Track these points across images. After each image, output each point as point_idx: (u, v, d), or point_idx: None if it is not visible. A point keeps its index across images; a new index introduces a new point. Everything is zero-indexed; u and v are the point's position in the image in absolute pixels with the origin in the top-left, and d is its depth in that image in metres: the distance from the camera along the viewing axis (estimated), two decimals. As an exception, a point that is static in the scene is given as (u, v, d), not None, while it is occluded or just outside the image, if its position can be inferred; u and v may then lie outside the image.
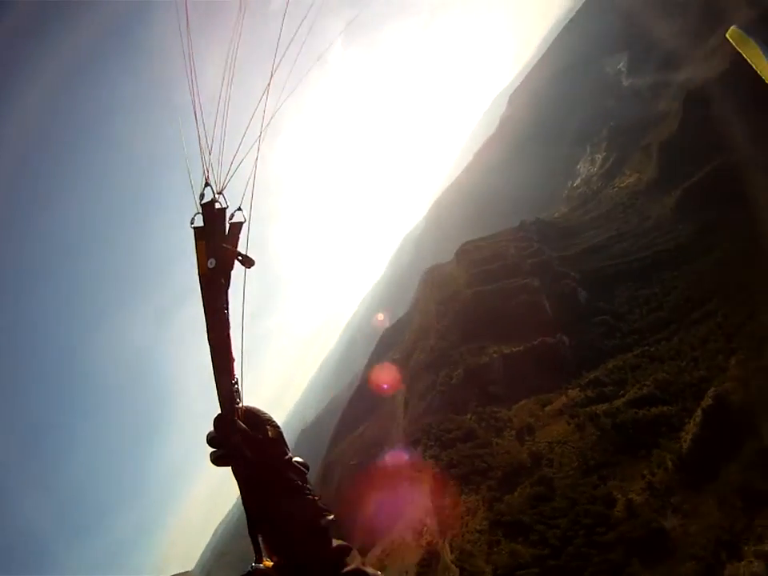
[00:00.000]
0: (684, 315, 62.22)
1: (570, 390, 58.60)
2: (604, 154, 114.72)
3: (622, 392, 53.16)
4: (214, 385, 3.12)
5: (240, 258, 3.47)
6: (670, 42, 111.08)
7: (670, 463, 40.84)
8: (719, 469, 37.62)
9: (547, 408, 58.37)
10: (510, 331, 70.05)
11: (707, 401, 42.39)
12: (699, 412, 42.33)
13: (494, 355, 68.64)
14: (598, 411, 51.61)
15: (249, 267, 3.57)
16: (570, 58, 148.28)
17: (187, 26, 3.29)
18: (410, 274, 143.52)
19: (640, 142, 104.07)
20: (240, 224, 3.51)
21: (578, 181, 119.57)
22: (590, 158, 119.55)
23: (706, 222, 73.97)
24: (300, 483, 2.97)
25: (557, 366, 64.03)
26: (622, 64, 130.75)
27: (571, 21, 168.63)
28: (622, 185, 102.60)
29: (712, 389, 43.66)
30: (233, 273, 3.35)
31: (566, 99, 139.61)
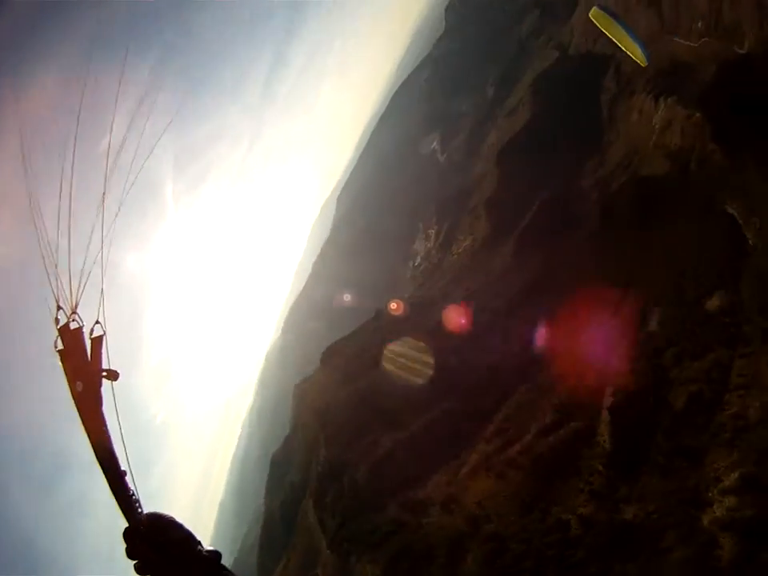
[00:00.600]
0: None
1: (478, 447, 56.23)
2: (436, 227, 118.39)
3: (526, 431, 51.15)
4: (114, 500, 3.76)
5: (105, 373, 3.83)
6: (473, 113, 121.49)
7: (600, 466, 40.10)
8: (647, 448, 38.30)
9: (462, 472, 55.45)
10: (400, 415, 68.00)
11: (608, 400, 43.95)
12: (605, 413, 43.30)
13: (389, 444, 65.72)
14: (512, 454, 49.74)
15: (115, 380, 3.97)
16: (388, 148, 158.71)
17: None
18: (282, 391, 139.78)
19: (467, 207, 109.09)
20: (100, 338, 3.94)
21: (418, 259, 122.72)
22: (423, 235, 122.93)
23: (545, 257, 77.41)
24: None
25: (455, 431, 61.40)
26: (435, 142, 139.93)
27: (384, 114, 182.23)
28: (459, 250, 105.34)
29: (610, 387, 45.46)
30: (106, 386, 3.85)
31: (391, 187, 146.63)
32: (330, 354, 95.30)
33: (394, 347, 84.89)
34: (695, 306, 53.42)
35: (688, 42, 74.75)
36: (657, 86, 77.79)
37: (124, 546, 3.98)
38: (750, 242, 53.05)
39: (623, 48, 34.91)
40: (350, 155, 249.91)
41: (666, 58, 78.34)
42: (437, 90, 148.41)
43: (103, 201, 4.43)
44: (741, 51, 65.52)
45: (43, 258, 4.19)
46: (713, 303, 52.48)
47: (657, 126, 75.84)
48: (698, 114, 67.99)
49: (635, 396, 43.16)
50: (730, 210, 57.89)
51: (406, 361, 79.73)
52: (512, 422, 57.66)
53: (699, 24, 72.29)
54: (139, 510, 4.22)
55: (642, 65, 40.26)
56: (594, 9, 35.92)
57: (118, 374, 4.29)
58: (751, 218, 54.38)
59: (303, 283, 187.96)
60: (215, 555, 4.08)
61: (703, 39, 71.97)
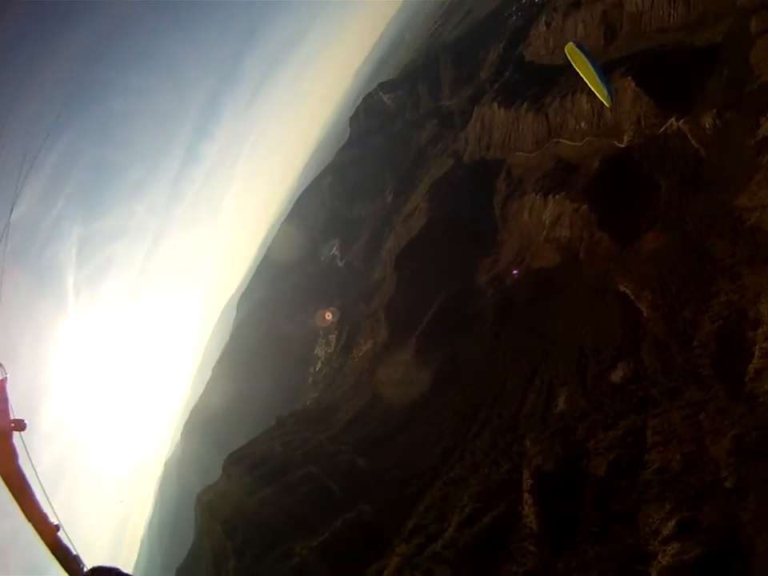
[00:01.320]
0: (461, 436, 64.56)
1: (398, 548, 53.49)
2: (336, 332, 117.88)
3: (446, 524, 49.27)
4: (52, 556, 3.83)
5: (13, 425, 3.97)
6: (371, 220, 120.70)
7: (531, 546, 37.86)
8: (577, 520, 35.82)
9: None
10: (308, 524, 66.06)
11: (527, 482, 42.01)
12: (527, 495, 41.22)
13: (304, 552, 62.69)
14: (436, 549, 47.17)
15: (22, 431, 4.11)
16: (289, 254, 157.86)
17: None
18: (182, 500, 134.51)
19: (367, 310, 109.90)
20: (2, 382, 4.17)
21: (318, 365, 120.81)
22: (324, 340, 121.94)
23: (448, 356, 79.99)
24: None
25: (369, 536, 59.95)
26: (335, 248, 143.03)
27: (286, 218, 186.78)
28: (360, 354, 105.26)
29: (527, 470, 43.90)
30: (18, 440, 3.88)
31: (291, 292, 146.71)
32: (233, 461, 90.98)
33: (301, 452, 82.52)
34: (600, 379, 53.32)
35: (573, 142, 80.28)
36: (545, 184, 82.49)
37: None
38: (645, 313, 53.60)
39: (589, 84, 35.90)
40: (252, 259, 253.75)
41: (553, 158, 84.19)
42: (338, 197, 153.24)
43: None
44: (621, 145, 70.75)
45: None
46: (617, 374, 52.40)
47: (547, 222, 79.33)
48: (584, 206, 71.68)
49: (554, 474, 42.01)
50: (622, 288, 59.04)
51: (315, 466, 77.84)
52: (430, 517, 56.05)
53: (583, 124, 78.39)
54: (79, 564, 4.94)
55: (607, 104, 42.42)
56: (570, 44, 37.27)
57: (26, 424, 5.32)
58: (643, 292, 55.37)
59: (202, 388, 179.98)
60: None
61: (587, 138, 77.79)
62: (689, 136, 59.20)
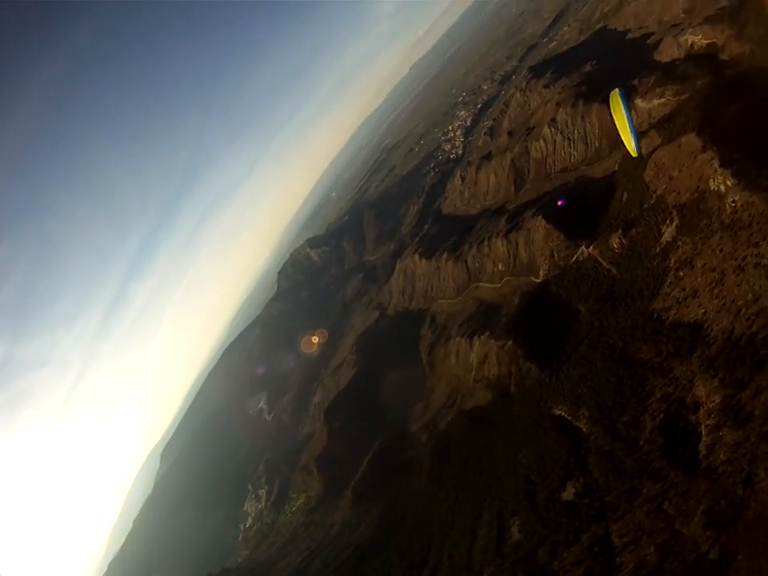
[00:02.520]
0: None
1: None
2: (266, 487, 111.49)
3: None
4: None
5: None
6: (299, 373, 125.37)
7: None
8: None
9: None
10: None
11: None
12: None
13: None
14: None
15: None
16: (215, 405, 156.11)
17: None
18: None
19: (297, 464, 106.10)
20: None
21: (249, 521, 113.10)
22: (254, 496, 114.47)
23: (389, 502, 77.02)
24: None
25: None
26: (263, 402, 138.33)
27: (213, 369, 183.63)
28: (293, 509, 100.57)
29: None
30: None
31: (218, 446, 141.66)
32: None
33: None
34: (552, 501, 50.55)
35: (492, 284, 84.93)
36: (469, 327, 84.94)
37: None
38: (584, 429, 53.08)
39: (620, 133, 37.99)
40: (177, 408, 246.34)
41: (474, 302, 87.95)
42: (266, 350, 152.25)
43: None
44: (538, 280, 75.39)
45: None
46: (568, 493, 50.02)
47: (474, 362, 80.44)
48: (509, 343, 73.48)
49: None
50: (558, 413, 58.94)
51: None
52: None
53: (500, 266, 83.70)
54: None
55: (633, 155, 43.61)
56: (615, 90, 39.74)
57: None
58: (579, 411, 55.34)
59: (121, 543, 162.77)
60: None
61: (505, 278, 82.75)
62: (599, 259, 64.21)
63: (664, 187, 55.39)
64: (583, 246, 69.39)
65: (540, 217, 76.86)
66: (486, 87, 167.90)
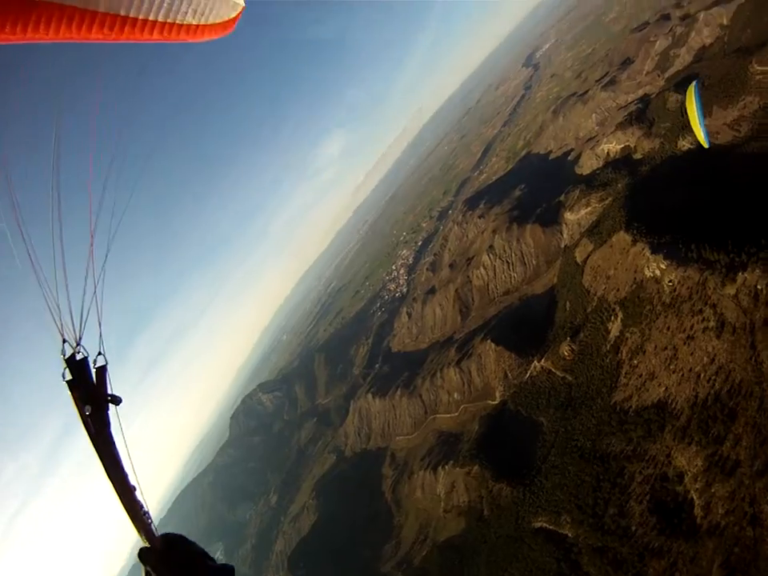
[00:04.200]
0: None
1: None
2: None
3: None
4: (129, 519, 4.44)
5: (110, 398, 4.45)
6: (257, 522, 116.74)
7: None
8: None
9: None
10: None
11: None
12: None
13: None
14: None
15: (118, 404, 4.58)
16: None
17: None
18: None
19: None
20: (104, 367, 4.57)
21: None
22: None
23: None
24: None
25: None
26: (219, 553, 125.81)
27: (164, 518, 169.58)
28: None
29: None
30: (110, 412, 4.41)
31: None
32: None
33: None
34: None
35: (450, 414, 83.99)
36: (432, 459, 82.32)
37: (142, 567, 4.46)
38: (570, 534, 51.00)
39: (691, 124, 38.24)
40: (124, 562, 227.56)
41: (434, 434, 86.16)
42: (220, 498, 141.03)
43: (91, 244, 5.46)
44: (495, 402, 75.34)
45: (45, 298, 4.83)
46: None
47: (442, 493, 77.13)
48: (475, 468, 71.56)
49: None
50: (538, 524, 56.70)
51: None
52: None
53: (455, 395, 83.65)
54: (152, 525, 4.75)
55: (704, 146, 42.22)
56: (695, 82, 39.98)
57: (120, 399, 4.80)
58: (560, 518, 53.48)
59: None
60: (229, 569, 4.62)
61: (462, 406, 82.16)
62: (553, 369, 65.78)
63: (603, 288, 59.61)
64: (535, 361, 71.11)
65: (489, 341, 78.99)
66: (425, 224, 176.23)
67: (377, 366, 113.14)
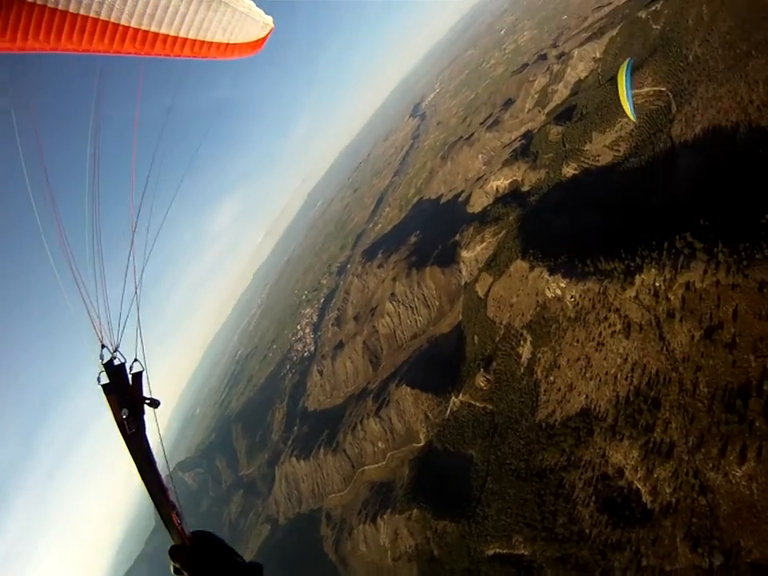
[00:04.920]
0: None
1: None
2: None
3: None
4: (160, 518, 4.42)
5: (147, 401, 4.45)
6: None
7: None
8: None
9: None
10: None
11: None
12: None
13: None
14: None
15: (156, 407, 4.56)
16: None
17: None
18: None
19: None
20: (140, 373, 4.53)
21: None
22: None
23: None
24: None
25: None
26: None
27: None
28: None
29: None
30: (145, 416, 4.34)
31: None
32: None
33: None
34: None
35: (378, 464, 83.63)
36: (369, 511, 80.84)
37: (171, 563, 4.56)
38: (526, 552, 52.53)
39: (620, 97, 40.29)
40: None
41: (366, 486, 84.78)
42: None
43: (131, 253, 5.49)
44: (421, 444, 76.44)
45: (85, 302, 4.94)
46: None
47: (387, 543, 76.07)
48: (414, 510, 71.56)
49: None
50: (492, 551, 57.73)
51: None
52: None
53: (380, 444, 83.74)
54: (182, 524, 4.85)
55: (631, 119, 45.19)
56: (629, 59, 41.50)
57: (159, 402, 4.89)
58: (513, 540, 54.91)
59: None
60: (257, 567, 4.77)
61: (389, 454, 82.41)
62: (472, 402, 68.31)
63: (508, 316, 63.76)
64: (453, 397, 73.40)
65: (404, 385, 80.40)
66: (325, 281, 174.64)
67: (295, 428, 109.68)
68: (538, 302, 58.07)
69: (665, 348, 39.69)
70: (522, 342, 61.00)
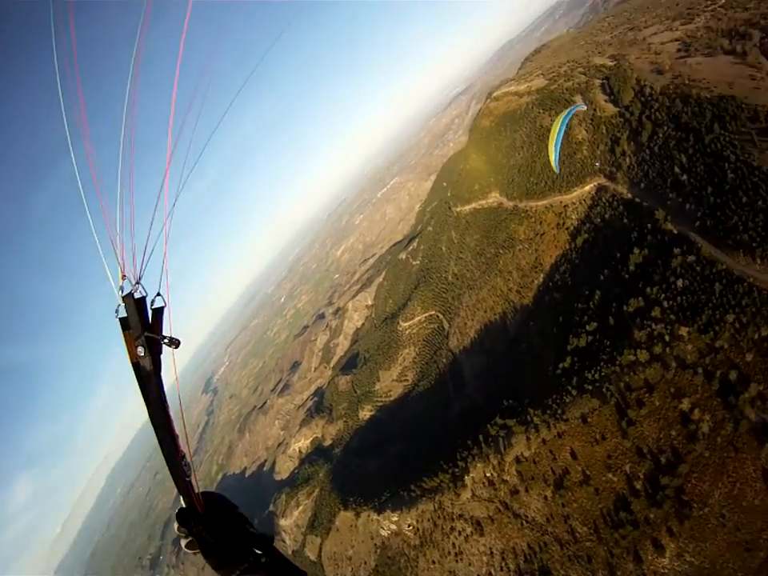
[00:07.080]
0: None
1: None
2: None
3: None
4: (166, 465, 3.83)
5: (166, 340, 3.91)
6: None
7: None
8: None
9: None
10: None
11: None
12: None
13: None
14: None
15: (176, 347, 4.00)
16: None
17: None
18: None
19: None
20: (161, 309, 3.99)
21: None
22: None
23: None
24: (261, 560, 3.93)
25: None
26: None
27: None
28: None
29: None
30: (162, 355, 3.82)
31: None
32: None
33: None
34: None
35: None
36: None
37: (177, 525, 3.94)
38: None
39: (548, 144, 38.07)
40: None
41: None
42: None
43: (165, 179, 4.52)
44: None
45: (109, 231, 4.27)
46: None
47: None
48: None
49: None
50: None
51: None
52: None
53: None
54: (192, 480, 4.39)
55: (554, 169, 42.56)
56: (572, 108, 39.72)
57: (179, 341, 4.37)
58: None
59: None
60: (268, 537, 4.25)
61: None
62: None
63: (350, 569, 52.86)
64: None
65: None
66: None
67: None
68: (375, 544, 49.39)
69: (524, 522, 34.10)
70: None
